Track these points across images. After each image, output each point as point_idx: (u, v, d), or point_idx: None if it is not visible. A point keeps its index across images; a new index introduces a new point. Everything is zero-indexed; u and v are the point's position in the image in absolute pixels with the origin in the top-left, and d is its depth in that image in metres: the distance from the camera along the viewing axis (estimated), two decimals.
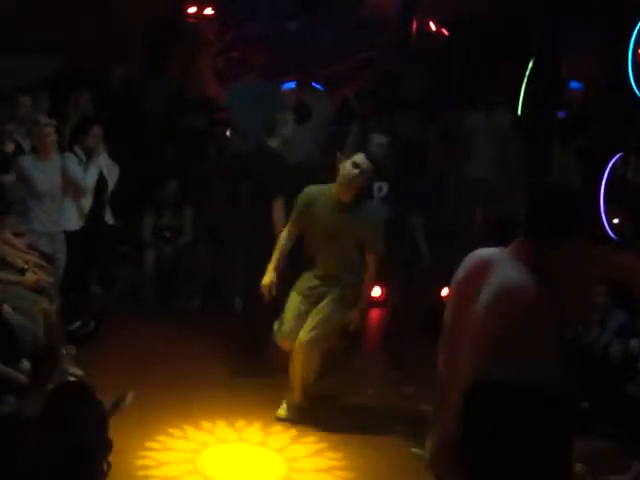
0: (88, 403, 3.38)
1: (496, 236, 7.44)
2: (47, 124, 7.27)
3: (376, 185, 7.30)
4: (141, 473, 5.43)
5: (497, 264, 3.36)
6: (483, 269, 3.37)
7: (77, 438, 3.25)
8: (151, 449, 5.73)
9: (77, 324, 7.43)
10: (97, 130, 7.65)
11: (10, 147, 7.55)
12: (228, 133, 9.36)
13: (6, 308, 5.88)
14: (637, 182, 7.55)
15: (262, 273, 6.35)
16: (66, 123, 8.18)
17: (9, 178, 7.22)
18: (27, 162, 7.28)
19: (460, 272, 3.48)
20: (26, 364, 5.64)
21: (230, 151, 9.21)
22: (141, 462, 5.55)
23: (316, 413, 6.24)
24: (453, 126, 9.12)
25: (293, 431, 6.14)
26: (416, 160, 8.66)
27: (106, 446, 3.50)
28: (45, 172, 7.26)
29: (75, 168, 7.51)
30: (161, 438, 5.88)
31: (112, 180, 7.90)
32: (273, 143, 7.25)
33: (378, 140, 7.38)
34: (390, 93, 9.49)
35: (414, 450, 5.65)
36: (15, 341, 5.70)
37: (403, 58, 9.81)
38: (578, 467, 5.40)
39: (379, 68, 9.85)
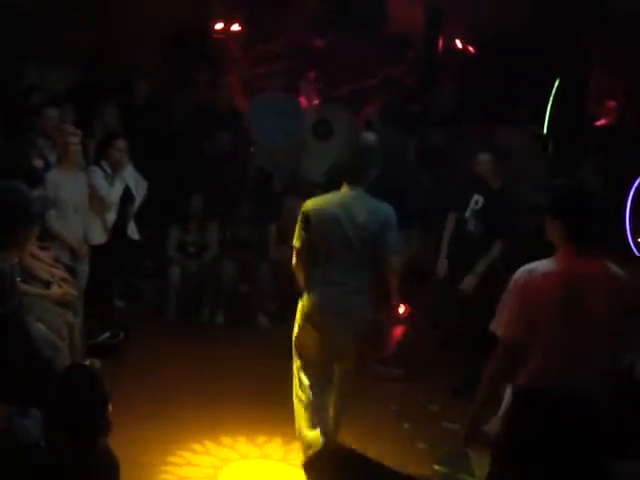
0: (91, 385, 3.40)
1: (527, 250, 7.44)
2: (73, 133, 7.33)
3: (474, 197, 7.30)
4: None
5: None
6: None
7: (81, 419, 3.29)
8: (173, 464, 5.72)
9: (106, 335, 7.45)
10: (122, 143, 7.69)
11: (39, 163, 7.60)
12: (252, 149, 9.39)
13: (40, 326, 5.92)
14: None
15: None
16: (91, 136, 8.21)
17: (37, 192, 7.27)
18: (53, 175, 7.33)
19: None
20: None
21: (254, 167, 9.26)
22: (162, 477, 5.54)
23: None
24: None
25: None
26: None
27: (105, 427, 3.52)
28: (69, 184, 7.30)
29: (101, 182, 7.55)
30: (183, 453, 5.87)
31: (140, 194, 7.94)
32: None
33: (479, 158, 7.35)
34: (415, 109, 9.49)
35: (436, 467, 5.62)
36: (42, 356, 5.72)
37: (429, 75, 9.80)
38: None
39: (404, 85, 9.84)
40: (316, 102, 9.49)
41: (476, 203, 7.34)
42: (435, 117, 9.35)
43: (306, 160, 9.17)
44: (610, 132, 8.96)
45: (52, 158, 7.67)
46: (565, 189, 4.07)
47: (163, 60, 10.24)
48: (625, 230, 7.61)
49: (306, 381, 5.43)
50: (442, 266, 7.49)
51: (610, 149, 8.56)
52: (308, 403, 5.42)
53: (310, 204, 5.42)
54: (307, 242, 5.35)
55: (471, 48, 10.03)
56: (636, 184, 7.78)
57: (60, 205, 7.28)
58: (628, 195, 7.75)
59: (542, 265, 3.87)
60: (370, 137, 5.58)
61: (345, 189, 5.40)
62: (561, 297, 3.78)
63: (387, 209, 5.35)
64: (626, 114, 8.83)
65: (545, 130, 8.74)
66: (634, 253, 7.56)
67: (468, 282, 7.10)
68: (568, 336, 3.78)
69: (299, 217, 5.43)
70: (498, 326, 3.90)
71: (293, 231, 5.45)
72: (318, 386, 5.41)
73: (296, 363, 5.52)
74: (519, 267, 3.92)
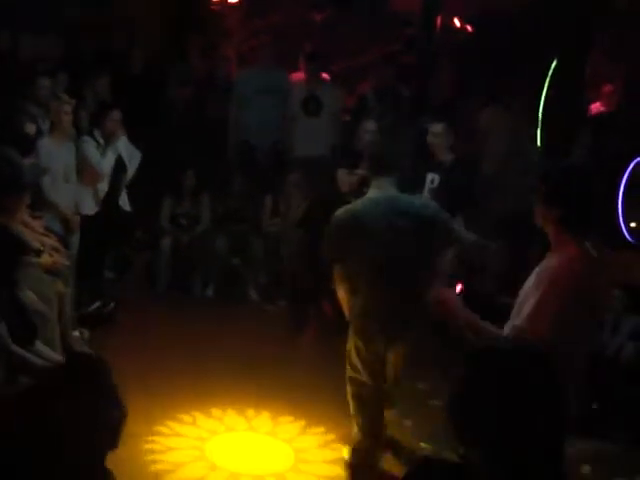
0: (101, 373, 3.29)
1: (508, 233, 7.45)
2: (67, 102, 7.32)
3: (429, 176, 7.23)
4: (148, 458, 5.46)
5: None
6: None
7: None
8: (160, 434, 5.76)
9: (97, 304, 7.46)
10: (116, 114, 7.67)
11: (31, 128, 7.58)
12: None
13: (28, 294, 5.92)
14: None
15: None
16: (83, 106, 8.19)
17: (29, 160, 7.25)
18: (44, 143, 7.33)
19: None
20: (40, 346, 5.66)
21: (238, 139, 9.20)
22: (149, 447, 5.58)
23: (325, 404, 6.25)
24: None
25: (302, 422, 6.14)
26: None
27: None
28: (61, 153, 7.30)
29: (92, 152, 7.54)
30: (170, 424, 5.91)
31: (133, 166, 7.92)
32: None
33: (433, 128, 7.28)
34: (410, 89, 9.48)
35: (423, 445, 5.65)
36: (29, 323, 5.72)
37: (426, 54, 9.77)
38: (585, 469, 5.40)
39: (400, 62, 9.80)
40: (306, 76, 9.43)
41: (432, 182, 7.26)
42: (433, 102, 9.31)
43: (294, 135, 9.13)
44: (604, 117, 8.96)
45: (45, 126, 7.65)
46: (565, 175, 3.85)
47: (159, 30, 10.19)
48: (617, 216, 7.61)
49: None
50: None
51: (603, 134, 8.56)
52: None
53: (343, 216, 4.94)
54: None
55: (469, 27, 10.01)
56: (629, 169, 7.76)
57: (51, 174, 7.27)
58: (620, 181, 7.74)
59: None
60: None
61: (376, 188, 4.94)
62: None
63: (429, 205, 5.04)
64: (622, 99, 8.82)
65: (540, 113, 8.71)
66: (626, 239, 7.56)
67: None
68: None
69: (331, 230, 4.98)
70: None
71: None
72: None
73: None
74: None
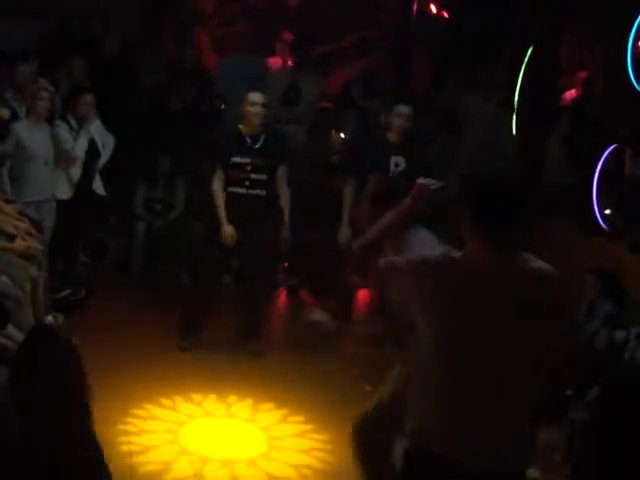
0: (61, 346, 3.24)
1: None
2: (45, 88, 7.27)
3: (393, 159, 7.19)
4: (122, 439, 5.46)
5: None
6: None
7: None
8: (136, 416, 5.77)
9: (67, 292, 7.42)
10: (89, 98, 7.62)
11: (5, 113, 7.50)
12: (222, 107, 9.30)
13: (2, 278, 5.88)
14: (631, 173, 7.55)
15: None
16: (57, 90, 8.11)
17: (4, 145, 7.20)
18: (20, 126, 7.27)
19: None
20: (12, 330, 5.63)
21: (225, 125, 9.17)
22: (123, 428, 5.59)
23: (309, 394, 6.30)
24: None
25: (283, 410, 6.16)
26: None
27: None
28: (37, 137, 7.25)
29: (65, 136, 7.49)
30: (148, 406, 5.91)
31: (107, 150, 7.88)
32: None
33: (401, 110, 7.23)
34: (393, 77, 9.48)
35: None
36: (2, 307, 5.68)
37: (403, 41, 9.77)
38: (557, 456, 5.43)
39: (381, 49, 9.79)
40: (290, 64, 9.39)
41: (396, 165, 7.24)
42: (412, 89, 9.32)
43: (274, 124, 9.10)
44: (580, 104, 8.99)
45: (22, 112, 7.59)
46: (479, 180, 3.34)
47: (133, 15, 10.11)
48: (592, 204, 7.65)
49: None
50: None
51: (578, 121, 8.58)
52: None
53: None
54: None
55: (445, 13, 10.00)
56: (604, 157, 7.80)
57: (31, 158, 7.23)
58: (595, 168, 7.78)
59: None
60: None
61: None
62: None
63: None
64: (597, 86, 8.85)
65: (516, 99, 8.73)
66: (601, 226, 7.61)
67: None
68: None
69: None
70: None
71: None
72: None
73: None
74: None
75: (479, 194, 3.25)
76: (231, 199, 6.86)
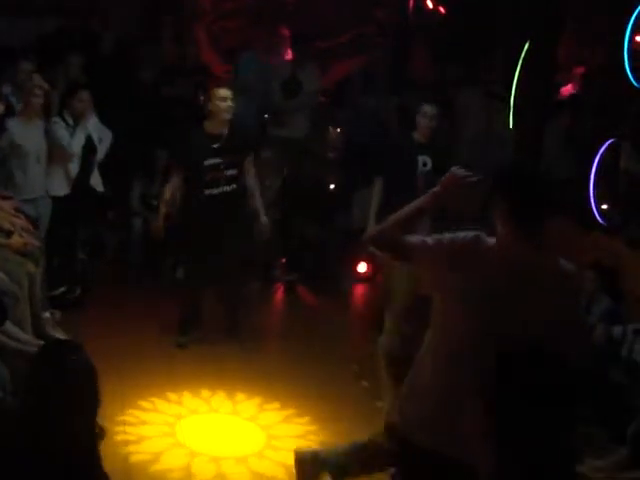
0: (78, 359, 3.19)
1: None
2: (39, 85, 7.25)
3: (420, 159, 7.19)
4: (125, 450, 5.43)
5: None
6: None
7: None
8: (127, 423, 5.74)
9: (62, 289, 7.41)
10: (85, 95, 7.60)
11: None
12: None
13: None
14: (628, 168, 7.55)
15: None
16: (54, 88, 8.10)
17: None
18: (13, 122, 7.27)
19: None
20: (10, 327, 5.61)
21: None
22: (121, 437, 5.56)
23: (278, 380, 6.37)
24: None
25: (257, 399, 6.19)
26: None
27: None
28: (29, 134, 7.24)
29: (62, 133, 7.47)
30: (134, 412, 5.88)
31: (104, 146, 7.88)
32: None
33: (426, 110, 7.23)
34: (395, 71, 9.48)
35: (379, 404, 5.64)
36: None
37: (400, 36, 9.76)
38: None
39: (381, 45, 9.79)
40: (289, 58, 9.39)
41: (424, 164, 7.23)
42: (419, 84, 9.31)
43: (274, 117, 9.11)
44: (578, 99, 8.99)
45: (18, 108, 7.57)
46: (512, 169, 3.70)
47: (132, 13, 10.10)
48: (589, 198, 7.65)
49: None
50: None
51: (575, 117, 8.59)
52: None
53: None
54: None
55: (442, 9, 9.99)
56: (600, 152, 7.80)
57: (22, 154, 7.21)
58: (592, 163, 7.78)
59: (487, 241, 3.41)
60: None
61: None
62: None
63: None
64: (593, 82, 8.85)
65: (512, 95, 8.73)
66: (597, 221, 7.61)
67: None
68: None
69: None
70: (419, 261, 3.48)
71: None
72: None
73: None
74: None
75: (520, 185, 3.42)
76: (209, 201, 6.87)
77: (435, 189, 3.57)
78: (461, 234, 3.43)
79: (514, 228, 3.37)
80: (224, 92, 6.85)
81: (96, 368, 3.07)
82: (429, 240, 3.44)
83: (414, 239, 3.45)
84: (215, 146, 6.85)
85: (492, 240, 3.40)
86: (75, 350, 3.09)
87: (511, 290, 3.28)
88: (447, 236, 3.44)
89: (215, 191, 6.87)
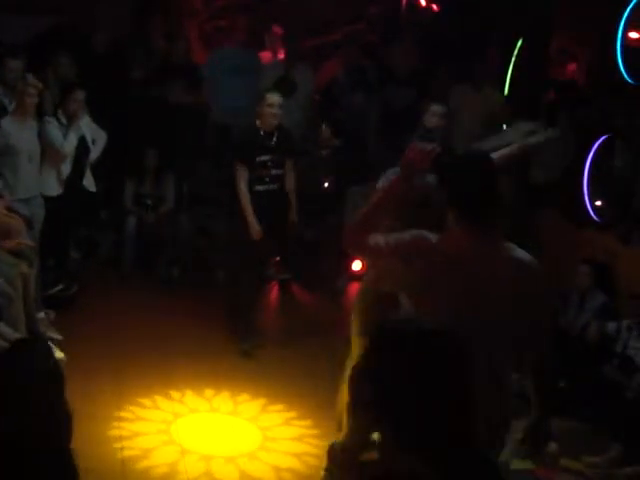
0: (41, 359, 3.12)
1: None
2: (32, 84, 7.22)
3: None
4: (117, 445, 5.42)
5: None
6: None
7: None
8: (124, 419, 5.73)
9: (59, 287, 7.40)
10: (79, 95, 7.58)
11: None
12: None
13: None
14: (622, 165, 7.56)
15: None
16: (45, 87, 8.06)
17: None
18: (5, 122, 7.23)
19: None
20: (3, 327, 5.61)
21: (213, 121, 9.15)
22: (115, 433, 5.55)
23: (283, 382, 6.33)
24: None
25: (262, 400, 6.17)
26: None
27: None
28: (23, 134, 7.21)
29: (55, 132, 7.44)
30: (133, 408, 5.88)
31: (98, 146, 7.86)
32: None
33: (435, 109, 7.23)
34: (375, 66, 9.45)
35: None
36: None
37: (391, 33, 9.73)
38: (552, 446, 5.42)
39: (364, 40, 9.77)
40: (281, 56, 9.37)
41: None
42: (400, 75, 9.28)
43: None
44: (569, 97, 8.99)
45: (10, 108, 7.54)
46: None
47: (122, 11, 10.06)
48: (583, 194, 7.65)
49: None
50: None
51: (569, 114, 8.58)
52: None
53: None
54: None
55: (434, 6, 9.99)
56: (594, 148, 7.80)
57: (14, 154, 7.18)
58: (585, 160, 7.78)
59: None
60: None
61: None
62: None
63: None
64: (585, 78, 8.85)
65: (506, 91, 8.74)
66: (591, 217, 7.62)
67: None
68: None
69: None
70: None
71: None
72: None
73: None
74: None
75: (456, 178, 3.41)
76: (255, 197, 6.96)
77: (397, 174, 3.54)
78: (406, 233, 3.44)
79: (458, 218, 3.37)
80: (273, 98, 6.96)
81: (60, 367, 2.98)
82: (390, 239, 3.42)
83: (379, 239, 3.43)
84: (265, 143, 6.99)
85: (434, 236, 3.40)
86: (32, 349, 3.04)
87: (471, 287, 3.29)
88: (402, 235, 3.44)
89: (262, 188, 7.01)
